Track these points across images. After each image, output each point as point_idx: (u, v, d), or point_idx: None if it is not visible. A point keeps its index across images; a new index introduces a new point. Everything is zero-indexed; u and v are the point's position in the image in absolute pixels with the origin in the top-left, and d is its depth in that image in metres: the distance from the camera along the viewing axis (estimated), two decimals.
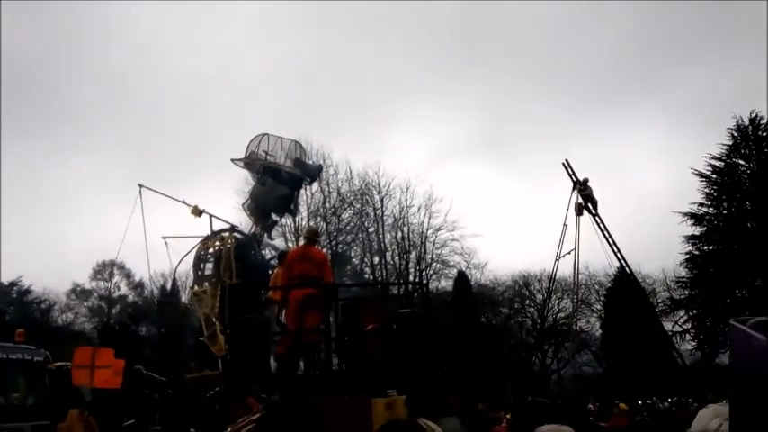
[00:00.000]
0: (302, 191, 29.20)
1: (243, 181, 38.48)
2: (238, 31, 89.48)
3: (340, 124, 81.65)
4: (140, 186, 24.26)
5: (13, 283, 55.59)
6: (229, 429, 9.00)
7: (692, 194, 39.33)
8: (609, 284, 54.61)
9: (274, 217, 27.39)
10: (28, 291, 56.47)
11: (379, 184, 53.53)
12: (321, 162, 43.55)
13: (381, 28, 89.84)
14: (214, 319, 22.09)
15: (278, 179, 25.25)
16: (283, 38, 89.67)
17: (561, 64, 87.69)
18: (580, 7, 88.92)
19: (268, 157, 25.43)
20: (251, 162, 26.12)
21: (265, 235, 26.53)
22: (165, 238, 24.85)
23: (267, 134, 26.11)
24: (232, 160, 27.53)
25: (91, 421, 16.53)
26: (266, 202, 25.67)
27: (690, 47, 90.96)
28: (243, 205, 28.58)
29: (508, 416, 20.03)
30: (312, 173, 28.88)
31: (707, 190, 38.97)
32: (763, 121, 38.51)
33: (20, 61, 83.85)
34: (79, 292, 60.92)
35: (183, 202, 24.31)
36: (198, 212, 24.14)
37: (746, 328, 2.60)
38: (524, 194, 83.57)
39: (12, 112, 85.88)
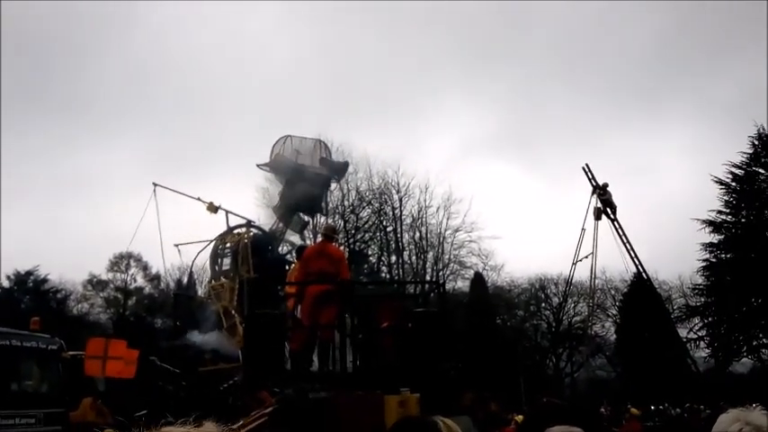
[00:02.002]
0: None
1: (263, 177, 38.66)
2: (260, 24, 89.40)
3: (360, 123, 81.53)
4: (155, 185, 24.26)
5: (29, 272, 55.90)
6: (241, 422, 9.05)
7: (712, 201, 39.11)
8: (625, 290, 54.37)
9: (305, 218, 27.46)
10: (44, 280, 56.74)
11: (398, 184, 53.52)
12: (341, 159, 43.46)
13: (403, 26, 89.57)
14: (233, 312, 22.19)
15: (306, 180, 25.30)
16: (305, 33, 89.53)
17: (587, 64, 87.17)
18: (609, 4, 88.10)
19: (298, 157, 25.51)
20: (277, 165, 26.20)
21: (287, 232, 26.61)
22: (177, 245, 24.96)
23: (290, 135, 26.16)
24: (258, 166, 27.64)
25: (104, 410, 16.63)
26: (297, 204, 25.78)
27: (722, 49, 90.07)
28: (273, 208, 28.69)
29: (517, 418, 19.97)
30: (338, 170, 28.96)
31: (726, 197, 38.69)
32: None
33: (41, 49, 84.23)
34: (95, 283, 61.09)
35: (199, 199, 24.36)
36: (214, 209, 24.20)
37: None
38: (543, 197, 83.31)
39: (31, 101, 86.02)
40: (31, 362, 16.07)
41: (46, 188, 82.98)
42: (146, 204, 23.88)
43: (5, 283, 55.27)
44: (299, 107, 72.51)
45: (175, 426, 1.11)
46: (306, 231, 44.34)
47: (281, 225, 26.61)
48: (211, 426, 1.11)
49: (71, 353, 17.27)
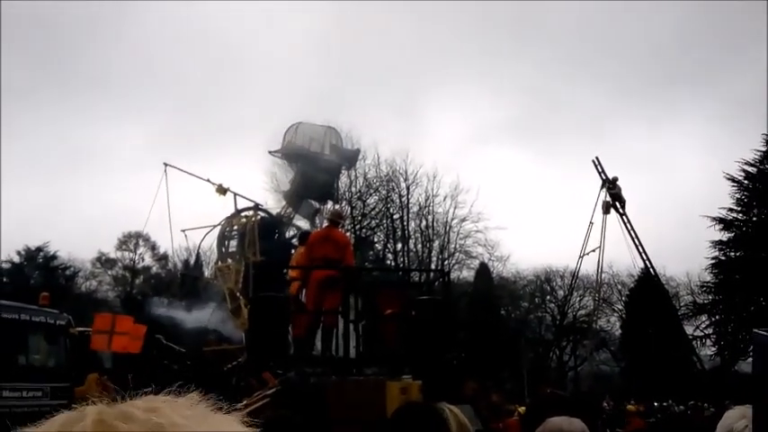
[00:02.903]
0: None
1: (271, 162, 38.72)
2: (270, 9, 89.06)
3: (369, 109, 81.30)
4: (165, 165, 24.38)
5: (39, 249, 56.22)
6: (245, 402, 9.11)
7: (723, 199, 38.95)
8: (632, 285, 54.29)
9: (315, 204, 27.57)
10: (54, 256, 57.05)
11: (406, 172, 53.43)
12: (350, 146, 43.51)
13: (415, 13, 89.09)
14: (238, 294, 22.31)
15: (317, 167, 25.38)
16: (315, 17, 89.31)
17: (600, 55, 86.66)
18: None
19: (310, 144, 25.58)
20: (288, 152, 26.29)
21: (295, 217, 26.70)
22: (184, 231, 25.19)
23: (301, 122, 26.21)
24: (270, 152, 27.71)
25: (109, 387, 16.76)
26: (308, 191, 25.87)
27: (743, 43, 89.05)
28: (283, 194, 28.84)
29: (520, 409, 20.02)
30: (350, 158, 29.04)
31: (738, 195, 38.53)
32: None
33: (53, 24, 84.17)
34: (104, 261, 61.50)
35: (208, 180, 24.45)
36: (222, 191, 24.27)
37: None
38: (552, 188, 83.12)
39: (44, 77, 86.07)
40: (39, 336, 16.26)
41: (57, 165, 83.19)
42: (156, 184, 24.03)
43: (16, 259, 55.68)
44: (308, 92, 72.28)
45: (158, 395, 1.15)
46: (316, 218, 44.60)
47: (289, 210, 26.71)
48: (195, 397, 1.15)
49: (78, 329, 17.44)
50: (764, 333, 2.62)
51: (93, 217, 75.97)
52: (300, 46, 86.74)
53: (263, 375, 11.20)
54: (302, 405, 9.08)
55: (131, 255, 62.26)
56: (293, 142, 25.82)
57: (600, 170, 32.21)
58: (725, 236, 38.59)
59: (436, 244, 54.22)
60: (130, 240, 61.19)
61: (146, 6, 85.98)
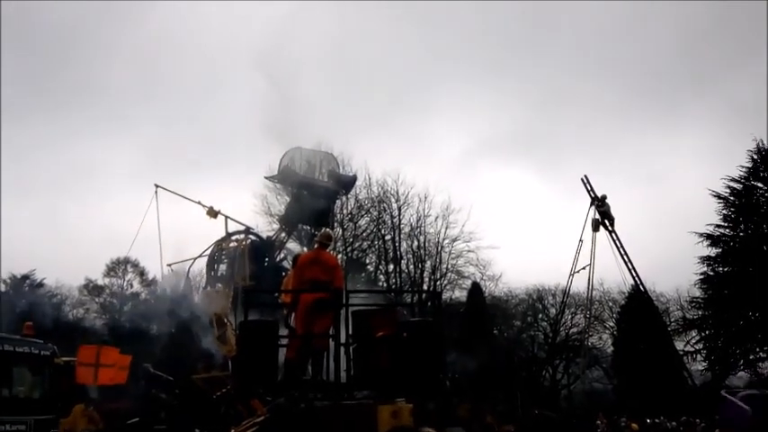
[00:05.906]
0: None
1: (262, 185, 38.60)
2: (262, 28, 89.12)
3: (360, 130, 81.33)
4: (156, 186, 24.27)
5: (25, 276, 55.77)
6: (233, 431, 8.94)
7: (710, 215, 39.22)
8: (623, 302, 54.25)
9: (310, 230, 27.47)
10: (40, 284, 56.61)
11: (397, 192, 53.43)
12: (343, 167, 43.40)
13: (403, 34, 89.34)
14: (225, 320, 22.09)
15: (313, 193, 25.28)
16: (304, 37, 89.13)
17: (598, 70, 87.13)
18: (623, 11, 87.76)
19: (307, 169, 25.50)
20: (285, 177, 26.18)
21: (287, 241, 26.56)
22: (170, 265, 25.05)
23: (300, 147, 26.12)
24: (266, 177, 27.61)
25: (95, 417, 16.52)
26: (303, 217, 25.76)
27: (742, 55, 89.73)
28: (278, 219, 28.75)
29: (512, 430, 19.86)
30: (347, 184, 28.94)
31: (724, 211, 38.78)
32: None
33: (46, 43, 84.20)
34: (91, 288, 60.99)
35: (199, 203, 24.32)
36: (213, 214, 24.14)
37: (736, 399, 2.63)
38: (543, 207, 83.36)
39: (32, 99, 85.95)
40: (23, 367, 16.00)
41: (45, 190, 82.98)
42: (146, 207, 23.95)
43: (1, 287, 55.15)
44: (299, 114, 72.06)
45: None
46: (303, 239, 44.38)
47: (283, 235, 26.62)
48: None
49: (64, 359, 17.17)
50: (732, 398, 2.61)
51: (81, 242, 75.63)
52: (292, 68, 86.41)
53: (251, 403, 11.00)
54: (293, 431, 8.90)
55: (119, 281, 61.84)
56: (290, 167, 25.70)
57: (589, 188, 32.29)
58: (713, 251, 38.86)
59: (428, 264, 54.16)
60: (119, 267, 60.82)
61: (138, 23, 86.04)
